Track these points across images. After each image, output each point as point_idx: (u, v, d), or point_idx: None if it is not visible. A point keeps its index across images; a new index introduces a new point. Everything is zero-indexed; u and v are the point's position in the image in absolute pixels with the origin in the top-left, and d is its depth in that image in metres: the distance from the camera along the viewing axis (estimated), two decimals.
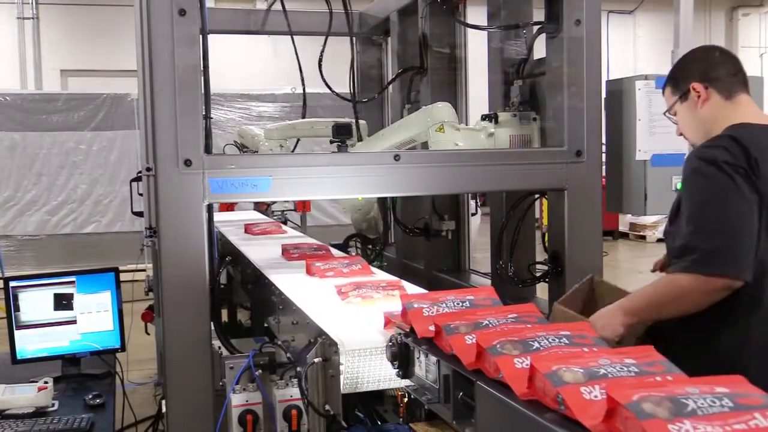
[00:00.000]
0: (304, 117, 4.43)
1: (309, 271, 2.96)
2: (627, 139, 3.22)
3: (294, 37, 3.60)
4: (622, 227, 14.24)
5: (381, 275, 2.94)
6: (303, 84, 3.75)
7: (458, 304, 1.80)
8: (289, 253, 3.44)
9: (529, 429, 1.23)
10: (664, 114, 2.48)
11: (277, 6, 3.72)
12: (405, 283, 2.60)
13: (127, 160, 10.81)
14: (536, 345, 1.43)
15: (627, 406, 1.06)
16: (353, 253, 4.33)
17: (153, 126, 2.65)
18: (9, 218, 10.80)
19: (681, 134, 2.46)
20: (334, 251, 3.60)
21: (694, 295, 2.10)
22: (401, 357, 1.72)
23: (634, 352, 1.35)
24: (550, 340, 1.45)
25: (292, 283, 2.79)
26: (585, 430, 1.13)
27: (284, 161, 2.88)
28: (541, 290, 3.47)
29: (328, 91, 3.79)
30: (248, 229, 4.68)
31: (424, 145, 3.35)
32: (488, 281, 3.69)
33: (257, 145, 4.68)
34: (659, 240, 12.41)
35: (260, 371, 2.50)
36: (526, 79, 3.37)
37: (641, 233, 13.90)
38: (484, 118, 3.35)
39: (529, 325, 1.59)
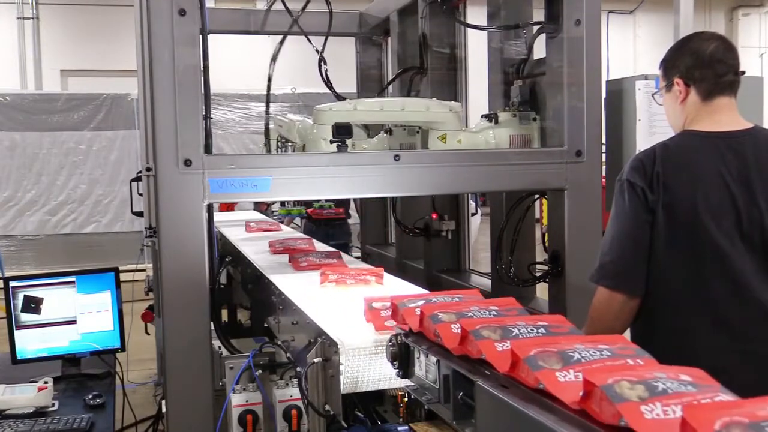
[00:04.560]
0: (266, 118, 3.92)
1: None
2: (627, 139, 3.22)
3: (294, 37, 3.60)
4: None
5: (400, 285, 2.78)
6: (269, 83, 3.64)
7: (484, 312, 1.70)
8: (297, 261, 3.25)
9: (530, 429, 1.23)
10: (652, 96, 2.55)
11: (277, 6, 3.72)
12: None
13: (127, 160, 10.81)
14: (515, 332, 1.48)
15: (603, 388, 1.12)
16: None
17: (153, 126, 2.65)
18: (9, 218, 10.80)
19: None
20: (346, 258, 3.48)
21: (598, 306, 2.33)
22: (401, 357, 1.71)
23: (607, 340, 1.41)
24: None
25: (294, 285, 2.79)
26: (590, 430, 1.13)
27: (284, 161, 2.88)
28: (541, 290, 3.47)
29: (329, 91, 3.79)
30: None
31: (425, 145, 3.35)
32: (488, 281, 3.69)
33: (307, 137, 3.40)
34: None
35: (260, 371, 2.50)
36: (526, 79, 3.37)
37: None
38: (484, 117, 3.35)
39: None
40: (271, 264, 3.25)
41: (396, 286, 2.69)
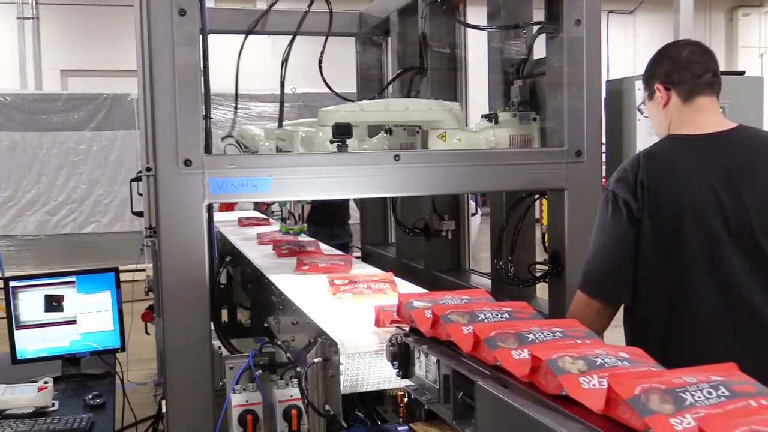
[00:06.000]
0: (280, 121, 3.82)
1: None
2: (627, 139, 3.22)
3: (294, 37, 3.59)
4: None
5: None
6: (282, 83, 3.67)
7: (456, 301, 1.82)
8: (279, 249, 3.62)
9: (530, 429, 1.23)
10: (638, 109, 2.57)
11: (278, 6, 3.71)
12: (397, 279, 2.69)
13: (127, 160, 10.81)
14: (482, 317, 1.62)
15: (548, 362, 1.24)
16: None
17: (153, 126, 2.65)
18: (9, 218, 10.80)
19: None
20: (323, 246, 3.86)
21: (575, 310, 2.36)
22: (401, 357, 1.71)
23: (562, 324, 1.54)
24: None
25: (290, 282, 2.79)
26: (588, 429, 1.13)
27: (284, 161, 2.88)
28: (541, 290, 3.47)
29: (329, 90, 3.80)
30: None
31: (424, 145, 3.35)
32: (488, 281, 3.69)
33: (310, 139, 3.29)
34: None
35: (260, 371, 2.50)
36: (526, 79, 3.36)
37: None
38: (484, 117, 3.35)
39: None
40: (261, 257, 3.57)
41: (362, 270, 3.02)
